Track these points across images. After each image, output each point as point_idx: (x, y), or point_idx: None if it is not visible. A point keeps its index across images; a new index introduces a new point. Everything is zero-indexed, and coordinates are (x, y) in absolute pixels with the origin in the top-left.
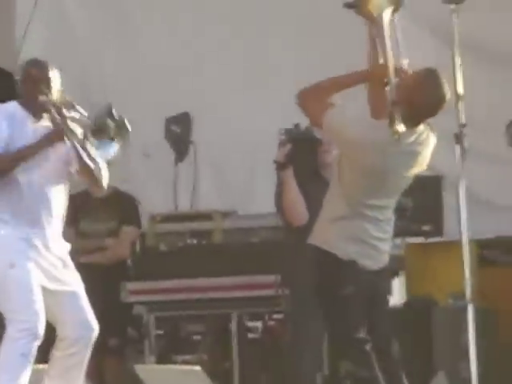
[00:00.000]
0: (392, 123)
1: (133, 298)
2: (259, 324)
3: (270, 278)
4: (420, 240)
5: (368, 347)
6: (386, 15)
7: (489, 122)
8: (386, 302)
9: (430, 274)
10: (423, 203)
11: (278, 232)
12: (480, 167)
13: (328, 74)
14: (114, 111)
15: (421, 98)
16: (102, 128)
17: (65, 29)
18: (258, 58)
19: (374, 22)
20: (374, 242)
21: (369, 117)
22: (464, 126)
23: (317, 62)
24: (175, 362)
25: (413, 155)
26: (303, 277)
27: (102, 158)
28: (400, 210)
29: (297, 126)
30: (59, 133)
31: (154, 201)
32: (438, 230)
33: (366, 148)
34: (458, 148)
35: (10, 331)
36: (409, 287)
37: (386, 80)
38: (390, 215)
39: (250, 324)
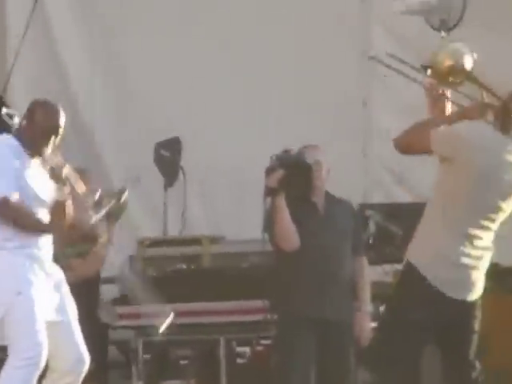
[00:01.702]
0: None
1: (121, 322)
2: (247, 349)
3: (259, 303)
4: None
5: None
6: (468, 63)
7: None
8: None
9: None
10: (412, 230)
11: (266, 257)
12: None
13: (321, 103)
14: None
15: None
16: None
17: (53, 56)
18: (249, 84)
19: (461, 75)
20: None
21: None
22: None
23: (310, 91)
24: None
25: None
26: (293, 302)
27: None
28: (389, 237)
29: (287, 151)
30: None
31: (143, 225)
32: None
33: (476, 144)
34: None
35: (12, 359)
36: None
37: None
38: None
39: (239, 349)
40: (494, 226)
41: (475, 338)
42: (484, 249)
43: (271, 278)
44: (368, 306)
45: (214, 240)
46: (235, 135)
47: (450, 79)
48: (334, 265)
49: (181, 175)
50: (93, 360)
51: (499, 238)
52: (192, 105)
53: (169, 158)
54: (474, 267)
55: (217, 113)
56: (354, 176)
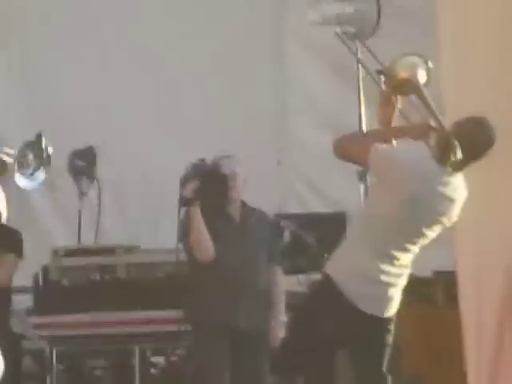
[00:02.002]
0: (449, 153)
1: (35, 332)
2: (162, 359)
3: (173, 313)
4: None
5: None
6: (422, 77)
7: None
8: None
9: None
10: (327, 240)
11: (181, 267)
12: None
13: (237, 112)
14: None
15: (472, 139)
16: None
17: None
18: (164, 94)
19: (414, 90)
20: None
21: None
22: None
23: (224, 100)
24: None
25: (448, 199)
26: (207, 312)
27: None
28: (303, 247)
29: (203, 160)
30: None
31: (57, 235)
32: None
33: (412, 171)
34: (361, 185)
35: None
36: None
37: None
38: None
39: (153, 359)
40: (416, 249)
41: (387, 351)
42: (403, 267)
43: (186, 287)
44: (282, 316)
45: (128, 250)
46: (150, 144)
47: (401, 90)
48: (249, 274)
49: (95, 184)
50: (6, 370)
51: None
52: (107, 114)
53: (83, 167)
54: (391, 284)
55: (131, 122)
56: (268, 186)
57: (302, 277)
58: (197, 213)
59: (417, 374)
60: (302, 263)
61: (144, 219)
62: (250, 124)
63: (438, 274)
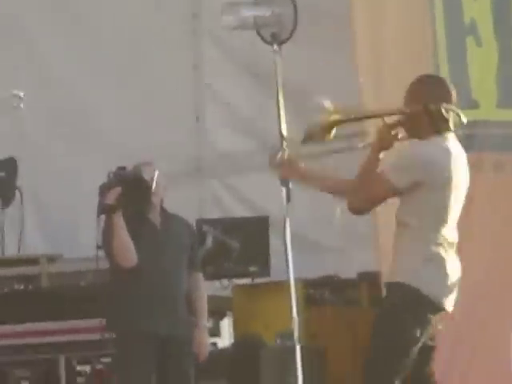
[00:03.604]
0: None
1: None
2: (88, 368)
3: (97, 322)
4: (247, 281)
5: None
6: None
7: None
8: None
9: (257, 315)
10: (250, 244)
11: (103, 275)
12: (305, 209)
13: (155, 122)
14: None
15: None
16: None
17: None
18: (80, 103)
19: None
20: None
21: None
22: None
23: (143, 108)
24: None
25: (461, 156)
26: (130, 318)
27: None
28: (227, 252)
29: (123, 168)
30: None
31: None
32: (265, 271)
33: (430, 160)
34: (283, 190)
35: None
36: (237, 328)
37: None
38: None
39: (79, 368)
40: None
41: None
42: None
43: (107, 295)
44: (205, 321)
45: (51, 259)
46: (69, 154)
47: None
48: (172, 280)
49: (18, 195)
50: None
51: (337, 251)
52: (27, 125)
53: (5, 179)
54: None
55: (51, 132)
56: (189, 192)
57: (225, 281)
58: (119, 219)
59: (340, 381)
60: (226, 267)
61: (66, 228)
62: (170, 131)
63: (362, 275)
